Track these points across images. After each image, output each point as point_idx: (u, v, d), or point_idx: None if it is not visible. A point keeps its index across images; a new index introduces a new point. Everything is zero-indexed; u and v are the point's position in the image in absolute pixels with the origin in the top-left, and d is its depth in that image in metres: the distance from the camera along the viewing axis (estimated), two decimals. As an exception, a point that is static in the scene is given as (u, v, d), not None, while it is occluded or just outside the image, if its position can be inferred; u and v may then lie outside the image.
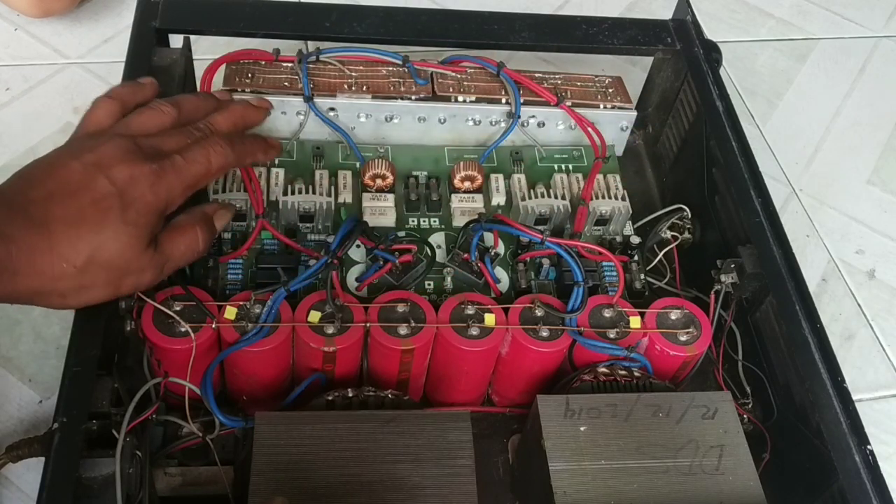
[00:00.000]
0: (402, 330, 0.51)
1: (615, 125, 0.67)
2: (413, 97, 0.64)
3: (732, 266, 0.56)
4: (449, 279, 0.57)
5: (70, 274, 0.42)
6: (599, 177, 0.63)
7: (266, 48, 0.65)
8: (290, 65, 0.64)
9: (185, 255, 0.49)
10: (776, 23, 0.98)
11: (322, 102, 0.63)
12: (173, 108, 0.51)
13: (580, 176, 0.63)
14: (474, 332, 0.51)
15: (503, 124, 0.65)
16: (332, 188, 0.60)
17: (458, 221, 0.61)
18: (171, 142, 0.48)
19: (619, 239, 0.62)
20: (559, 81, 0.67)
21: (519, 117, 0.64)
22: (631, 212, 0.62)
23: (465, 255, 0.57)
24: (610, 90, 0.68)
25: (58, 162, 0.44)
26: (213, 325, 0.50)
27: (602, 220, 0.61)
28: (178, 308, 0.50)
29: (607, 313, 0.54)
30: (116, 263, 0.44)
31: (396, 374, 0.52)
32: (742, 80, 0.91)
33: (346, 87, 0.63)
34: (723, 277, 0.56)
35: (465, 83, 0.65)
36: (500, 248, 0.59)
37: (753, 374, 0.56)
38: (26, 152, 0.73)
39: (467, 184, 0.62)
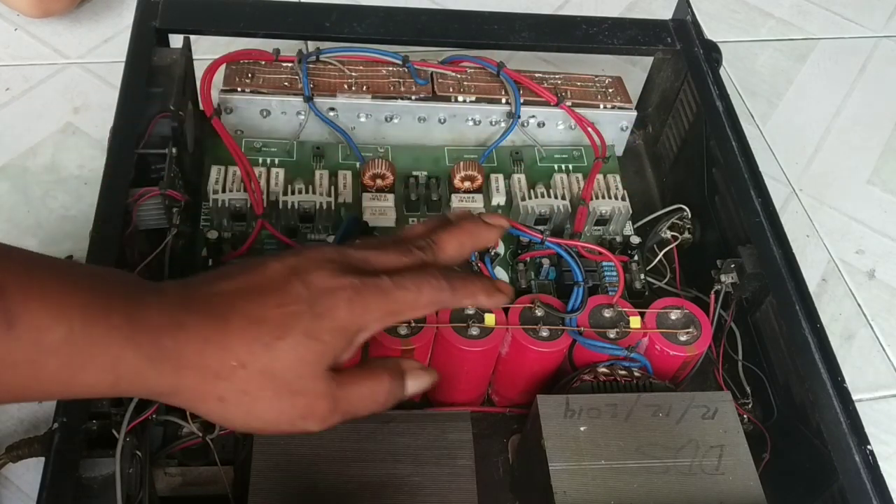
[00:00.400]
0: (402, 330, 0.51)
1: (615, 125, 0.67)
2: (413, 97, 0.64)
3: (732, 266, 0.56)
4: (449, 279, 0.57)
5: (236, 374, 0.36)
6: (599, 177, 0.63)
7: (266, 48, 0.65)
8: (290, 65, 0.64)
9: (364, 403, 0.40)
10: (776, 23, 0.98)
11: (322, 102, 0.63)
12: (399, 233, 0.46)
13: (580, 176, 0.63)
14: (474, 332, 0.51)
15: (503, 124, 0.65)
16: (332, 188, 0.60)
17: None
18: (382, 258, 0.42)
19: (619, 239, 0.62)
20: (559, 81, 0.67)
21: (519, 117, 0.64)
22: (631, 212, 0.62)
23: (465, 255, 0.57)
24: (610, 90, 0.68)
25: (259, 260, 0.40)
26: (213, 325, 0.49)
27: (602, 220, 0.61)
28: (178, 308, 0.49)
29: (607, 313, 0.54)
30: (288, 377, 0.37)
31: (396, 374, 0.52)
32: (742, 80, 0.91)
33: (346, 87, 0.63)
34: (723, 277, 0.56)
35: (465, 83, 0.65)
36: (500, 248, 0.59)
37: (753, 374, 0.56)
38: (26, 152, 0.73)
39: (467, 184, 0.62)
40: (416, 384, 0.42)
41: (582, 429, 0.48)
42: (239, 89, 0.62)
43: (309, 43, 0.71)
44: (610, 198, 0.62)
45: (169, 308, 0.36)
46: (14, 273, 0.33)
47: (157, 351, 0.35)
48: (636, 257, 0.60)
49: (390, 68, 0.65)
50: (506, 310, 0.53)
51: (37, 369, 0.33)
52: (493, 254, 0.58)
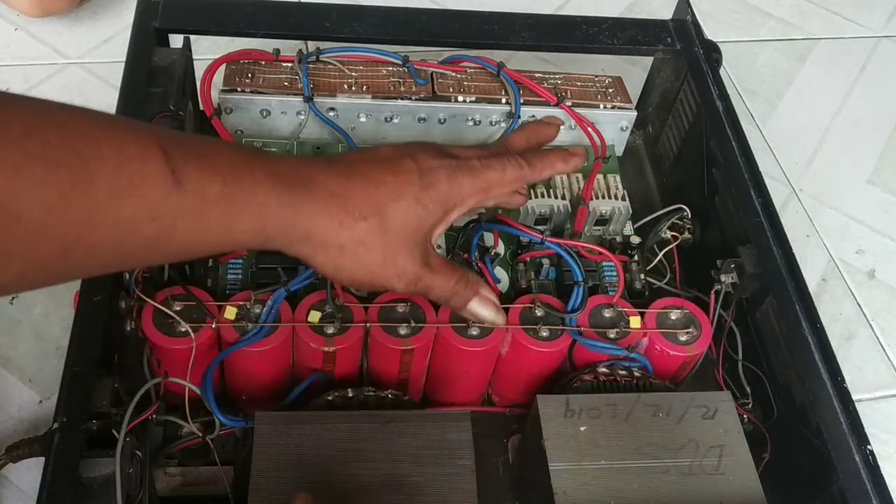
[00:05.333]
0: (402, 330, 0.51)
1: (615, 125, 0.67)
2: (413, 97, 0.64)
3: (732, 266, 0.56)
4: (449, 279, 0.57)
5: (357, 226, 0.43)
6: (599, 177, 0.63)
7: (266, 48, 0.65)
8: (290, 65, 0.64)
9: (438, 286, 0.48)
10: (776, 23, 0.98)
11: (322, 102, 0.63)
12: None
13: (580, 176, 0.63)
14: (474, 332, 0.51)
15: (503, 124, 0.65)
16: (332, 188, 0.60)
17: (459, 221, 0.61)
18: (469, 151, 0.50)
19: (619, 239, 0.62)
20: (559, 81, 0.67)
21: (519, 117, 0.64)
22: (631, 212, 0.62)
23: (465, 255, 0.57)
24: (610, 90, 0.68)
25: (376, 147, 0.48)
26: (213, 325, 0.50)
27: (602, 220, 0.61)
28: (178, 308, 0.50)
29: (607, 313, 0.54)
30: (398, 235, 0.45)
31: (396, 374, 0.53)
32: (742, 80, 0.91)
33: (346, 87, 0.63)
34: (723, 277, 0.56)
35: (465, 83, 0.65)
36: (500, 248, 0.59)
37: (753, 374, 0.56)
38: (26, 152, 0.73)
39: (467, 184, 0.62)
40: (479, 308, 0.49)
41: (582, 429, 0.48)
42: (239, 89, 0.62)
43: (309, 43, 0.71)
44: (610, 198, 0.62)
45: (299, 167, 0.43)
46: (171, 141, 0.38)
47: (293, 200, 0.42)
48: (636, 257, 0.60)
49: (390, 68, 0.65)
50: (506, 310, 0.53)
51: (202, 220, 0.39)
52: (493, 254, 0.58)
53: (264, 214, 0.41)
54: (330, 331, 0.50)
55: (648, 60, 0.72)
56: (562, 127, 0.66)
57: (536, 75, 0.67)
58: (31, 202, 0.32)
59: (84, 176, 0.34)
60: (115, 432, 0.43)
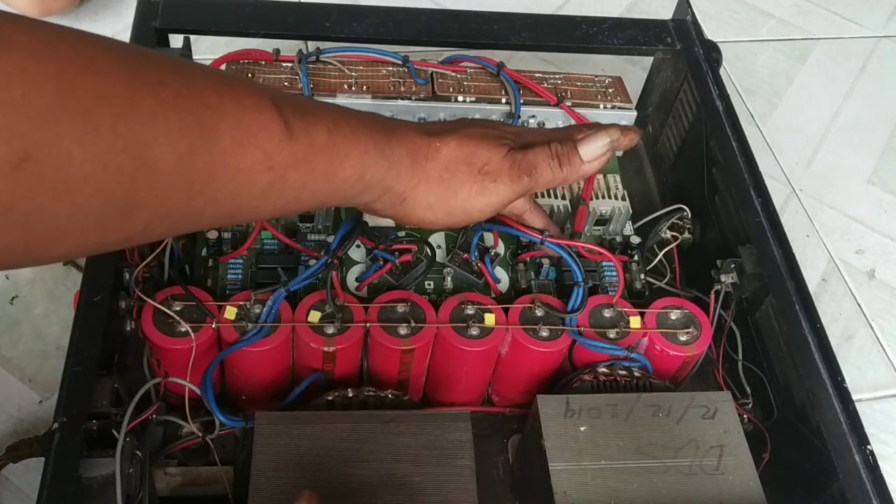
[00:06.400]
0: (402, 330, 0.51)
1: (615, 125, 0.67)
2: (413, 97, 0.64)
3: (732, 266, 0.56)
4: (449, 279, 0.57)
5: (440, 153, 0.48)
6: (599, 177, 0.63)
7: (266, 48, 0.65)
8: (290, 65, 0.64)
9: (538, 158, 0.50)
10: (776, 23, 0.98)
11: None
12: None
13: (580, 176, 0.63)
14: (474, 332, 0.51)
15: (503, 124, 0.65)
16: (332, 188, 0.60)
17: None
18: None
19: (619, 239, 0.62)
20: (559, 81, 0.67)
21: (519, 117, 0.64)
22: (631, 212, 0.62)
23: (465, 255, 0.57)
24: (610, 90, 0.68)
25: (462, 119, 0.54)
26: (213, 325, 0.50)
27: (602, 220, 0.61)
28: (178, 308, 0.50)
29: (607, 313, 0.54)
30: (479, 150, 0.49)
31: (396, 374, 0.52)
32: (742, 80, 0.91)
33: (346, 87, 0.63)
34: (723, 277, 0.56)
35: (465, 83, 0.65)
36: (500, 248, 0.59)
37: (753, 374, 0.56)
38: (26, 152, 0.73)
39: (467, 184, 0.62)
40: (590, 146, 0.52)
41: (582, 429, 0.48)
42: (239, 89, 0.62)
43: (309, 43, 0.71)
44: (610, 198, 0.62)
45: (386, 121, 0.48)
46: (279, 95, 0.40)
47: (387, 145, 0.46)
48: (636, 257, 0.60)
49: (390, 68, 0.65)
50: (506, 310, 0.53)
51: (311, 169, 0.41)
52: (493, 254, 0.58)
53: (364, 161, 0.44)
54: (330, 331, 0.50)
55: (648, 60, 0.72)
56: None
57: (536, 75, 0.67)
58: (165, 150, 0.33)
59: (211, 125, 0.35)
60: (115, 432, 0.43)
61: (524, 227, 0.57)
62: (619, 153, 0.68)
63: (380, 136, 0.45)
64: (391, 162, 0.46)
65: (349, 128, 0.44)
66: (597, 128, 0.54)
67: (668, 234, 0.62)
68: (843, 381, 0.50)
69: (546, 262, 0.58)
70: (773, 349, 0.55)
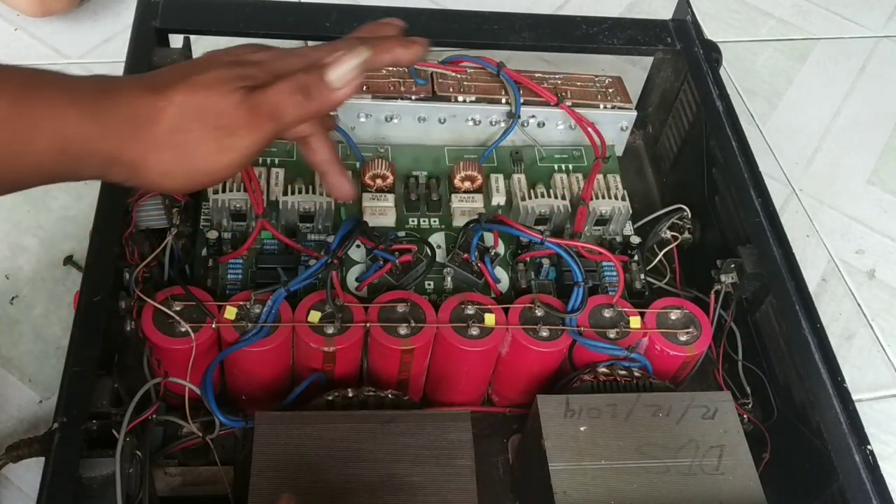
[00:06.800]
0: (402, 330, 0.51)
1: (615, 125, 0.67)
2: (413, 97, 0.64)
3: (732, 266, 0.56)
4: (449, 279, 0.57)
5: (166, 113, 0.41)
6: (599, 177, 0.63)
7: (266, 48, 0.64)
8: (290, 65, 0.64)
9: (283, 98, 0.43)
10: (776, 23, 0.98)
11: (322, 102, 0.63)
12: None
13: (580, 176, 0.63)
14: (474, 332, 0.51)
15: (503, 124, 0.65)
16: (332, 188, 0.60)
17: (458, 221, 0.61)
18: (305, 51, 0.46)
19: (619, 239, 0.62)
20: (559, 81, 0.67)
21: (519, 117, 0.64)
22: (631, 212, 0.62)
23: (465, 255, 0.57)
24: (610, 90, 0.68)
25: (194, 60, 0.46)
26: (213, 325, 0.50)
27: (602, 220, 0.61)
28: (178, 308, 0.50)
29: (607, 313, 0.54)
30: (207, 101, 0.41)
31: (396, 374, 0.53)
32: (742, 80, 0.91)
33: (346, 87, 0.63)
34: (723, 277, 0.56)
35: (465, 83, 0.65)
36: (500, 248, 0.59)
37: (753, 374, 0.56)
38: (26, 152, 0.73)
39: (467, 184, 0.62)
40: (339, 69, 0.44)
41: (582, 429, 0.48)
42: (239, 89, 0.62)
43: (309, 43, 0.71)
44: (610, 198, 0.62)
45: (100, 80, 0.41)
46: None
47: (97, 110, 0.39)
48: (636, 257, 0.60)
49: (390, 68, 0.65)
50: (506, 310, 0.53)
51: None
52: (493, 254, 0.58)
53: (64, 132, 0.39)
54: (330, 331, 0.50)
55: (648, 60, 0.72)
56: (561, 127, 0.66)
57: (536, 75, 0.67)
58: None
59: None
60: (115, 432, 0.43)
61: (524, 228, 0.57)
62: (620, 152, 0.68)
63: (88, 102, 0.40)
64: (107, 130, 0.40)
65: (42, 96, 0.39)
66: (348, 45, 0.45)
67: (668, 234, 0.62)
68: (843, 381, 0.50)
69: (546, 262, 0.58)
70: (773, 349, 0.55)
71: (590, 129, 0.65)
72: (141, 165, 0.41)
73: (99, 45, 0.83)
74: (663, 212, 0.64)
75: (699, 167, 0.64)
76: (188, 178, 0.43)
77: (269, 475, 0.45)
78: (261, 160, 0.62)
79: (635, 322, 0.53)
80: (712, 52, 0.68)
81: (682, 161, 0.68)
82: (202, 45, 0.70)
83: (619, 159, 0.67)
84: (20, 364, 0.61)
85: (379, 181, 0.61)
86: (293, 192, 0.58)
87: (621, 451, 0.47)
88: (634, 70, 0.83)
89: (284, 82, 0.43)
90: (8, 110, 0.38)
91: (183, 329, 0.49)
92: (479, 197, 0.62)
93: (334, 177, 0.49)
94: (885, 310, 0.74)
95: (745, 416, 0.53)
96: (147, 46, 0.62)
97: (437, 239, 0.60)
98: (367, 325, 0.51)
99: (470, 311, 0.52)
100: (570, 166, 0.65)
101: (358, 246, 0.57)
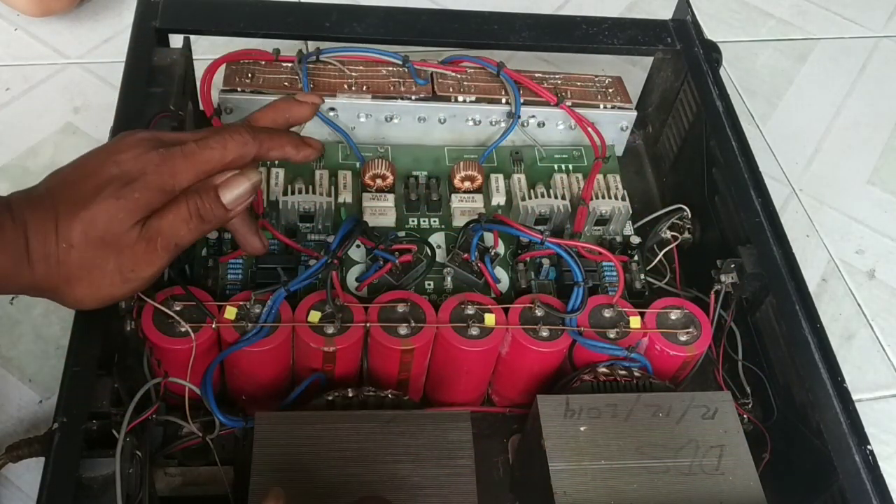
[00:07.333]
0: (402, 330, 0.51)
1: (615, 125, 0.67)
2: (413, 97, 0.64)
3: (732, 266, 0.56)
4: (449, 279, 0.57)
5: (70, 255, 0.43)
6: (599, 177, 0.63)
7: (266, 48, 0.65)
8: (290, 65, 0.64)
9: (176, 227, 0.45)
10: (776, 23, 0.98)
11: (322, 102, 0.63)
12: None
13: (580, 176, 0.63)
14: (474, 332, 0.51)
15: (503, 124, 0.65)
16: (332, 188, 0.60)
17: (458, 221, 0.61)
18: (193, 135, 0.47)
19: (619, 239, 0.62)
20: (559, 81, 0.67)
21: (519, 117, 0.64)
22: (631, 212, 0.62)
23: (465, 255, 0.57)
24: (610, 90, 0.68)
25: (86, 154, 0.46)
26: (213, 325, 0.50)
27: (602, 220, 0.61)
28: (178, 308, 0.50)
29: (607, 313, 0.54)
30: (106, 239, 0.43)
31: (396, 374, 0.53)
32: (742, 80, 0.91)
33: (346, 87, 0.63)
34: (723, 277, 0.56)
35: (465, 83, 0.65)
36: (500, 248, 0.59)
37: (753, 374, 0.56)
38: (26, 152, 0.73)
39: (467, 184, 0.62)
40: (232, 192, 0.47)
41: (582, 429, 0.48)
42: (239, 89, 0.62)
43: (309, 43, 0.71)
44: (610, 198, 0.62)
45: (14, 211, 0.42)
46: None
47: (15, 249, 0.42)
48: (636, 257, 0.60)
49: (390, 68, 0.65)
50: (506, 310, 0.53)
51: None
52: (493, 254, 0.58)
53: None
54: (330, 331, 0.50)
55: (648, 60, 0.72)
56: (561, 127, 0.66)
57: (536, 75, 0.67)
58: None
59: None
60: (115, 432, 0.43)
61: (524, 228, 0.57)
62: (620, 152, 0.68)
63: (9, 240, 0.42)
64: (20, 267, 0.42)
65: None
66: (236, 170, 0.47)
67: (668, 234, 0.62)
68: (843, 381, 0.50)
69: (546, 262, 0.58)
70: (773, 349, 0.55)
71: (590, 129, 0.65)
72: (57, 296, 0.44)
73: (99, 45, 0.83)
74: (663, 212, 0.64)
75: (699, 167, 0.64)
76: (98, 303, 0.45)
77: (269, 475, 0.45)
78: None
79: (635, 322, 0.53)
80: (712, 52, 0.68)
81: (682, 161, 0.68)
82: (202, 44, 0.70)
83: (619, 159, 0.67)
84: (20, 364, 0.61)
85: (379, 181, 0.61)
86: (293, 192, 0.58)
87: (621, 451, 0.47)
88: (634, 70, 0.83)
89: (180, 208, 0.45)
90: None
91: (183, 329, 0.49)
92: (479, 197, 0.62)
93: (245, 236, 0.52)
94: (885, 310, 0.74)
95: (745, 416, 0.53)
96: (147, 46, 0.62)
97: (437, 239, 0.60)
98: (367, 325, 0.51)
99: (470, 311, 0.52)
100: (570, 166, 0.65)
101: (358, 246, 0.57)
